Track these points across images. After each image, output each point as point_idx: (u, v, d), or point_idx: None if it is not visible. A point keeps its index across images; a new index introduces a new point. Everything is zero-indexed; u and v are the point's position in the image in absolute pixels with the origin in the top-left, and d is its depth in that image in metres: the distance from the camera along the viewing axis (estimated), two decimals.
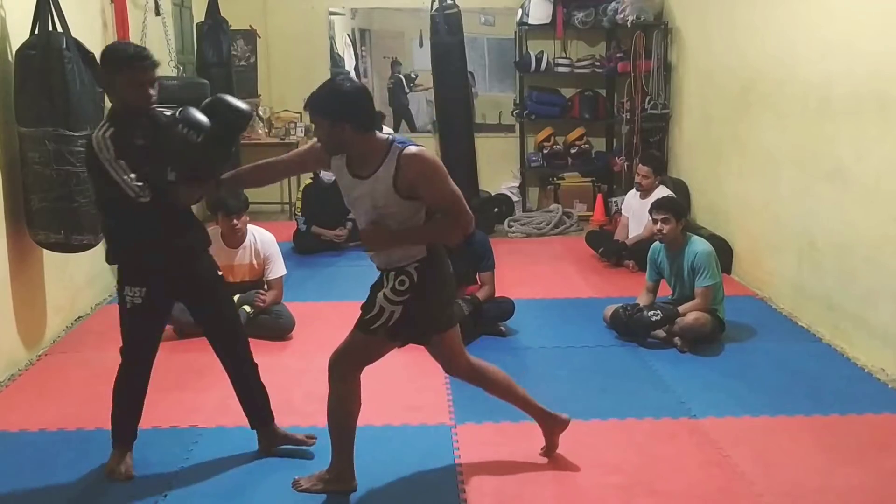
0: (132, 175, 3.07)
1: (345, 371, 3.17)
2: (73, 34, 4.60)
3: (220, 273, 3.59)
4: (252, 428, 3.64)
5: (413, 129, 9.44)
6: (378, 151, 2.98)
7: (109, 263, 3.49)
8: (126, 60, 3.15)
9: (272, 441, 3.62)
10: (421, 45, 9.17)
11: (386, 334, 3.11)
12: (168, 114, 3.20)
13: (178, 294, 3.45)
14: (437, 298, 3.18)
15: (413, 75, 9.38)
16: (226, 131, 3.21)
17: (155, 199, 3.11)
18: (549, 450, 3.59)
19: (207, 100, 3.28)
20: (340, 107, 2.93)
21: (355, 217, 3.19)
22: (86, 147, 3.21)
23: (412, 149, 2.97)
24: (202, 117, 3.11)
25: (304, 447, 3.61)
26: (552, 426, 3.57)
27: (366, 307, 3.15)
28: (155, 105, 3.25)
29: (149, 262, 3.27)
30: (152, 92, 3.19)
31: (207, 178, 3.25)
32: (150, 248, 3.25)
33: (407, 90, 9.45)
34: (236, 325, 3.60)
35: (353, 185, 3.06)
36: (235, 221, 5.08)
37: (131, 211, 3.13)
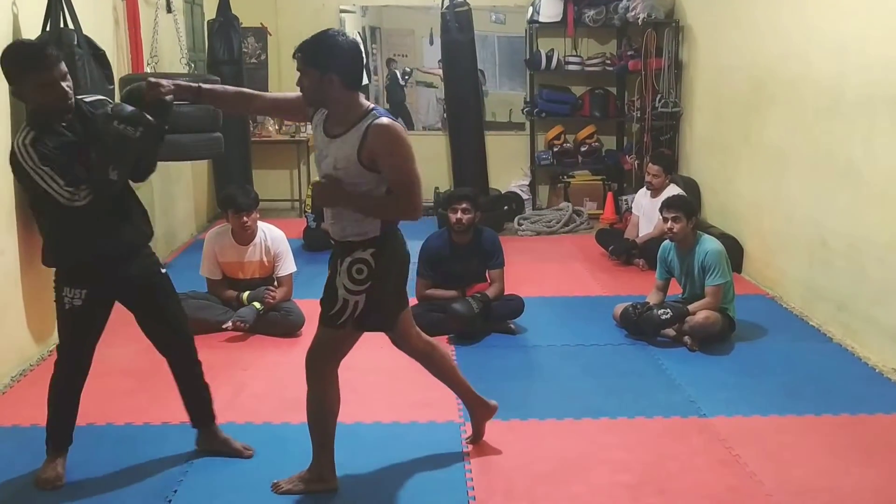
0: (60, 181, 2.95)
1: (321, 369, 3.16)
2: (85, 31, 4.62)
3: (164, 271, 3.45)
4: (194, 426, 3.58)
5: (411, 127, 9.41)
6: (356, 114, 2.97)
7: (47, 265, 3.29)
8: (27, 62, 2.98)
9: (212, 442, 3.57)
10: (431, 42, 9.16)
11: (354, 325, 3.09)
12: (93, 104, 3.12)
13: (118, 294, 3.32)
14: (395, 281, 3.18)
15: (407, 69, 9.36)
16: (155, 115, 3.07)
17: (94, 199, 3.00)
18: (476, 437, 3.62)
19: (125, 91, 3.17)
20: (333, 59, 2.91)
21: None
22: (10, 154, 3.06)
23: (384, 120, 2.95)
24: (137, 111, 3.00)
25: (238, 457, 3.54)
26: (484, 414, 3.61)
27: (327, 301, 3.09)
28: (74, 97, 3.09)
29: (86, 263, 3.17)
30: (66, 86, 3.03)
31: (151, 167, 3.23)
32: (86, 249, 3.16)
33: (402, 82, 9.42)
34: (184, 324, 3.50)
35: (324, 144, 3.05)
36: (245, 219, 5.09)
37: (65, 212, 3.02)
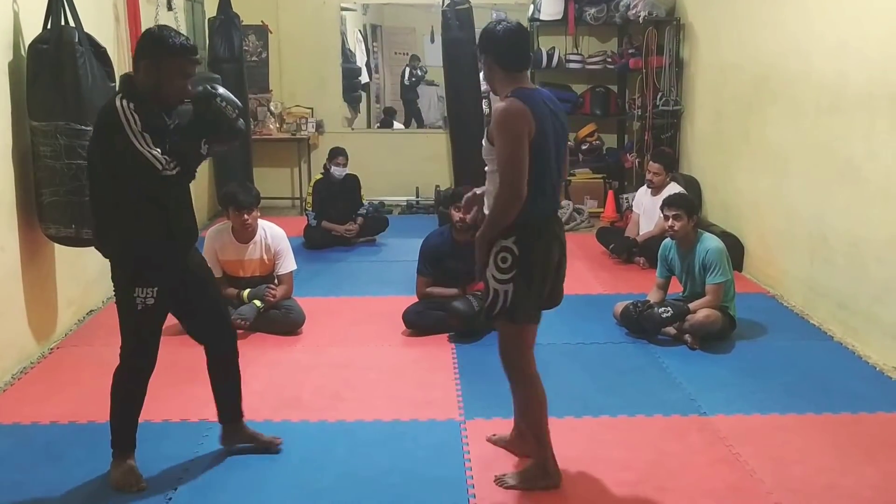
0: (157, 149, 2.98)
1: (515, 363, 3.17)
2: (86, 29, 4.62)
3: (208, 266, 3.56)
4: (221, 422, 3.58)
5: (420, 124, 9.43)
6: (504, 95, 3.06)
7: (107, 256, 3.24)
8: (181, 48, 3.05)
9: (238, 438, 3.57)
10: (432, 40, 9.17)
11: (507, 318, 3.09)
12: (199, 89, 3.15)
13: (180, 285, 3.29)
14: (543, 271, 3.14)
15: (419, 71, 9.36)
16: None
17: (181, 172, 3.04)
18: (511, 444, 3.57)
19: (202, 86, 3.18)
20: (492, 46, 3.10)
21: None
22: (103, 117, 3.05)
23: (508, 98, 3.02)
24: (233, 95, 3.13)
25: (268, 451, 3.55)
26: (524, 450, 3.48)
27: (485, 296, 3.14)
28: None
29: (159, 255, 3.18)
30: (189, 87, 3.13)
31: (226, 150, 3.31)
32: (167, 234, 3.16)
33: (406, 82, 9.42)
34: (226, 320, 3.54)
35: None
36: (246, 217, 5.09)
37: (151, 187, 3.03)
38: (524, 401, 3.21)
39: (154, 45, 3.06)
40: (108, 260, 3.26)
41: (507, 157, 2.98)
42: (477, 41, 3.15)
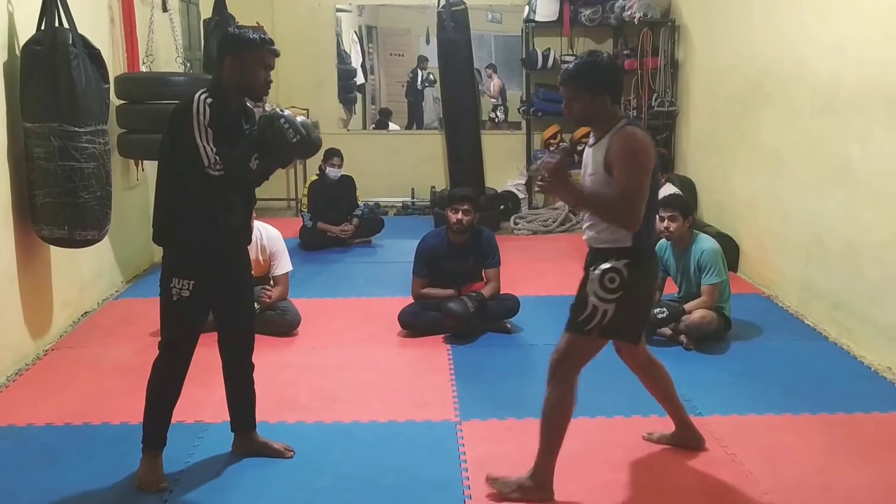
0: (213, 147, 3.05)
1: (565, 373, 3.17)
2: (80, 30, 4.61)
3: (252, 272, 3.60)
4: (234, 431, 3.59)
5: (421, 126, 9.43)
6: (611, 124, 3.07)
7: (158, 243, 3.34)
8: (263, 41, 3.18)
9: (251, 445, 3.57)
10: (428, 42, 9.17)
11: (600, 333, 3.11)
12: (267, 109, 3.25)
13: (221, 287, 3.34)
14: (646, 295, 3.21)
15: (432, 77, 9.34)
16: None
17: (225, 177, 3.09)
18: (662, 439, 3.67)
19: (267, 115, 3.29)
20: (605, 80, 3.09)
21: None
22: (180, 105, 3.17)
23: (630, 127, 3.05)
24: (301, 122, 3.20)
25: (280, 458, 3.54)
26: (686, 441, 3.61)
27: (577, 308, 3.14)
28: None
29: (205, 248, 3.23)
30: (270, 80, 3.25)
31: (268, 176, 3.35)
32: (210, 234, 3.22)
33: (420, 87, 9.42)
34: (253, 328, 3.56)
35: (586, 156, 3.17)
36: None
37: (197, 181, 3.10)
38: (553, 408, 3.19)
39: (236, 41, 3.20)
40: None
41: (630, 181, 2.98)
42: (571, 76, 3.14)
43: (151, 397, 3.33)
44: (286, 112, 3.21)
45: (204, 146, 3.05)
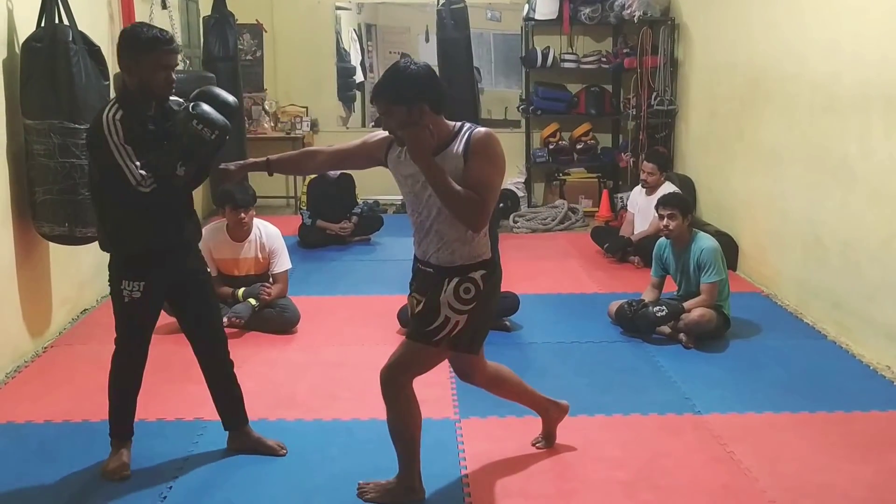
0: (137, 163, 3.02)
1: (400, 383, 3.13)
2: (80, 27, 4.60)
3: (208, 270, 3.58)
4: (226, 429, 3.59)
5: None
6: (447, 134, 2.93)
7: (106, 251, 3.35)
8: (155, 41, 3.06)
9: (244, 442, 3.57)
10: (427, 40, 9.16)
11: (448, 344, 3.06)
12: (181, 106, 3.17)
13: (171, 288, 3.36)
14: (493, 307, 3.18)
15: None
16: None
17: (157, 189, 3.06)
18: (549, 440, 3.62)
19: (194, 92, 3.21)
20: (416, 89, 2.85)
21: (404, 197, 3.09)
22: (91, 127, 3.14)
23: (483, 129, 2.95)
24: (215, 114, 3.09)
25: (273, 455, 3.55)
26: (558, 416, 3.60)
27: (426, 317, 3.03)
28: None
29: (148, 252, 3.22)
30: (174, 76, 3.14)
31: (207, 171, 3.29)
32: (152, 236, 3.21)
33: None
34: (221, 325, 3.57)
35: (416, 170, 2.93)
36: (243, 215, 5.08)
37: (134, 199, 3.07)
38: (399, 422, 3.17)
39: (128, 44, 3.11)
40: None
41: (492, 180, 2.90)
42: (388, 92, 2.87)
43: (112, 393, 3.40)
44: (198, 108, 3.07)
45: (127, 165, 3.01)
